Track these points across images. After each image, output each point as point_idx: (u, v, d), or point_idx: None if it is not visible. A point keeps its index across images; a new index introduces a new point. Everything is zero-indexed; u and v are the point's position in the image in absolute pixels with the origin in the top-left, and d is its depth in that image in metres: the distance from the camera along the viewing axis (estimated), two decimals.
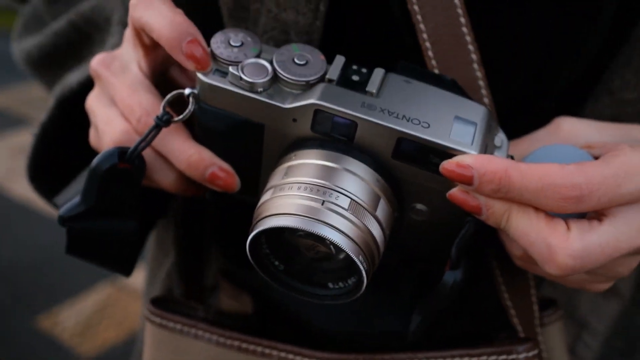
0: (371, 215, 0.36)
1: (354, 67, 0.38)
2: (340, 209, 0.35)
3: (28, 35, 0.59)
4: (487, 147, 0.36)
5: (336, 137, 0.37)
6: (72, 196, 0.44)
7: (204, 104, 0.39)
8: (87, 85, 0.48)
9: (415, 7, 0.39)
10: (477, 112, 0.37)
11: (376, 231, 0.36)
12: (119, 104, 0.42)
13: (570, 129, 0.40)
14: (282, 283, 0.39)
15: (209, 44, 0.39)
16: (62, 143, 0.53)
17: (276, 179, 0.38)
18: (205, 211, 0.53)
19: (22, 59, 0.59)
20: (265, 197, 0.37)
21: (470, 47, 0.39)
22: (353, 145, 0.37)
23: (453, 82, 0.39)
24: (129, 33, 0.43)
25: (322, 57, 0.38)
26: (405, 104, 0.36)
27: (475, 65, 0.39)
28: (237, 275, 0.53)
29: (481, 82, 0.40)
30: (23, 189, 2.69)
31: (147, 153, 0.41)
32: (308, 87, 0.37)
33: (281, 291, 0.39)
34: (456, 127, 0.36)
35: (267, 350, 0.45)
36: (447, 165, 0.34)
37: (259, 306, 0.52)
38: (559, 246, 0.33)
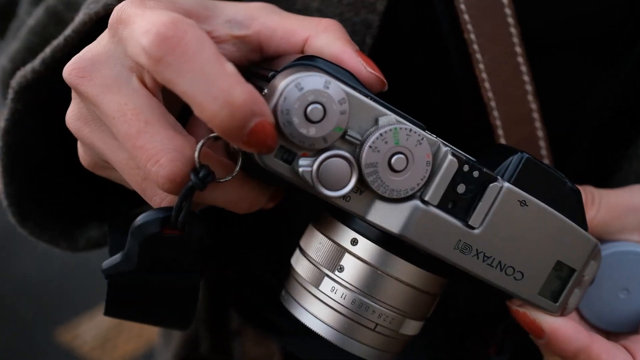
0: None
1: (465, 167, 0.29)
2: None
3: (2, 49, 0.47)
4: (570, 296, 0.33)
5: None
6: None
7: (262, 162, 0.29)
8: (53, 65, 0.36)
9: (472, 36, 0.38)
10: (582, 251, 0.32)
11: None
12: (124, 143, 0.29)
13: None
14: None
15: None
16: (39, 156, 0.40)
17: (328, 262, 0.33)
18: (229, 251, 0.52)
19: None
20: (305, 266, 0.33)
21: (526, 77, 0.38)
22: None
23: (575, 192, 0.32)
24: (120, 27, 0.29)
25: (429, 155, 0.29)
26: (506, 243, 0.30)
27: (530, 97, 0.38)
28: (261, 318, 0.52)
29: (535, 115, 0.39)
30: None
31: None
32: (399, 200, 0.29)
33: (315, 337, 0.34)
34: (551, 278, 0.32)
35: None
36: (521, 312, 0.33)
37: (286, 353, 0.50)
38: None
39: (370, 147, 0.28)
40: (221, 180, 0.30)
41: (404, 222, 0.29)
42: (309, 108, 0.27)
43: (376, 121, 0.28)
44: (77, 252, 0.45)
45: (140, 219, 0.32)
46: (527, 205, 0.30)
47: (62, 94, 0.35)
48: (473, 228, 0.29)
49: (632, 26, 0.40)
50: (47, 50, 0.36)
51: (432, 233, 0.29)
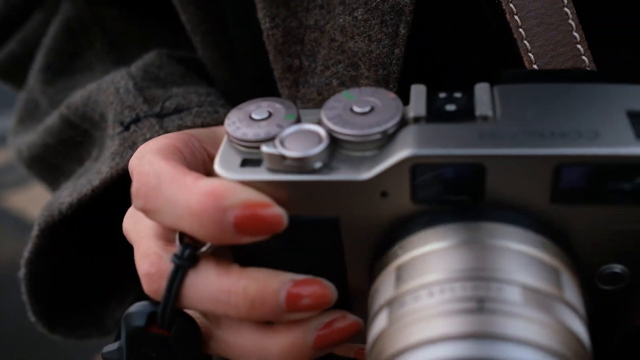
0: (560, 301, 0.23)
1: (442, 94, 0.26)
2: (512, 305, 0.22)
3: (21, 130, 0.52)
4: None
5: (454, 199, 0.25)
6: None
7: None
8: (81, 208, 0.40)
9: (517, 19, 0.31)
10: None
11: (577, 324, 0.23)
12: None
13: None
14: None
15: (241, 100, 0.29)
16: (63, 275, 0.44)
17: (386, 290, 0.25)
18: None
19: (18, 157, 0.51)
20: (378, 324, 0.25)
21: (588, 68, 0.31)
22: (485, 203, 0.25)
23: (591, 72, 0.28)
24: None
25: (392, 94, 0.27)
26: (544, 116, 0.24)
27: (585, 58, 0.31)
28: None
29: None
30: None
31: (196, 314, 0.30)
32: (387, 139, 0.25)
33: None
34: (638, 125, 0.23)
35: None
36: None
37: None
38: None
39: (325, 108, 0.27)
40: (204, 249, 0.28)
41: (410, 143, 0.24)
42: (252, 114, 0.27)
43: None
44: (108, 335, 0.46)
45: (132, 308, 0.30)
46: (536, 88, 0.26)
47: (82, 230, 0.43)
48: (489, 119, 0.25)
49: None
50: (75, 197, 0.40)
51: (445, 139, 0.24)
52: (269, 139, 0.26)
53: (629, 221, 0.24)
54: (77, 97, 0.44)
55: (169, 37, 0.52)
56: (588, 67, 0.31)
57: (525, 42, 0.31)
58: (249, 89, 0.44)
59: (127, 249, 0.43)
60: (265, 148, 0.26)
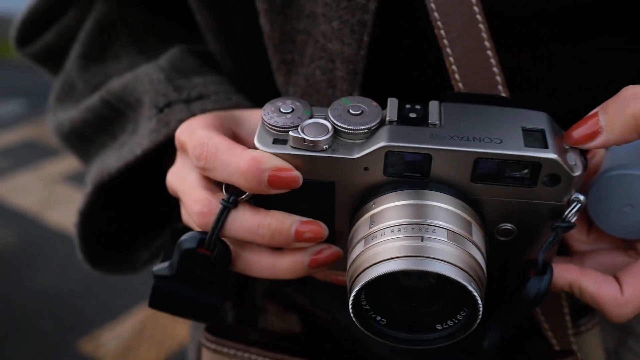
0: (469, 241, 0.36)
1: (408, 105, 0.39)
2: (441, 241, 0.35)
3: (60, 107, 0.62)
4: (561, 149, 0.37)
5: (410, 175, 0.38)
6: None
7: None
8: (126, 172, 0.51)
9: (442, 32, 0.41)
10: (539, 119, 0.38)
11: (478, 256, 0.36)
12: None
13: None
14: (388, 337, 0.38)
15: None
16: (106, 225, 0.55)
17: (363, 230, 0.38)
18: None
19: (54, 131, 0.62)
20: (356, 251, 0.37)
21: (495, 69, 0.41)
22: (430, 179, 0.37)
23: (504, 98, 0.40)
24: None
25: (375, 103, 0.39)
26: (470, 127, 0.37)
27: (501, 87, 0.41)
28: (282, 294, 0.56)
29: None
30: (58, 217, 2.76)
31: (231, 242, 0.42)
32: (371, 133, 0.38)
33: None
34: (527, 137, 0.36)
35: None
36: (576, 132, 0.37)
37: (307, 325, 0.54)
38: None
39: (331, 109, 0.39)
40: (244, 197, 0.40)
41: (384, 138, 0.37)
42: (281, 108, 0.39)
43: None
44: (136, 272, 0.60)
45: (184, 236, 0.41)
46: (467, 107, 0.38)
47: (125, 189, 0.53)
48: (437, 126, 0.37)
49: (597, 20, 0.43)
50: (122, 162, 0.50)
51: (408, 137, 0.37)
52: (294, 127, 0.38)
53: (517, 196, 0.38)
54: (115, 83, 0.54)
55: (182, 32, 0.62)
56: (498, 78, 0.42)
57: (448, 49, 0.41)
58: (249, 76, 0.54)
59: (155, 207, 0.55)
60: (292, 133, 0.38)
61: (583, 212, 0.42)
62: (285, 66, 0.47)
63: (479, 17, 0.40)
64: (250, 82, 0.54)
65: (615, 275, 0.39)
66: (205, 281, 0.42)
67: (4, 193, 2.97)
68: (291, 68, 0.47)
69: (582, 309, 0.49)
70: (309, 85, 0.46)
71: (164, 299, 0.43)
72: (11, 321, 2.32)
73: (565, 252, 0.44)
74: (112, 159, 0.52)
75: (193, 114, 0.48)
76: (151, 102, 0.51)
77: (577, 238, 0.43)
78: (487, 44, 0.41)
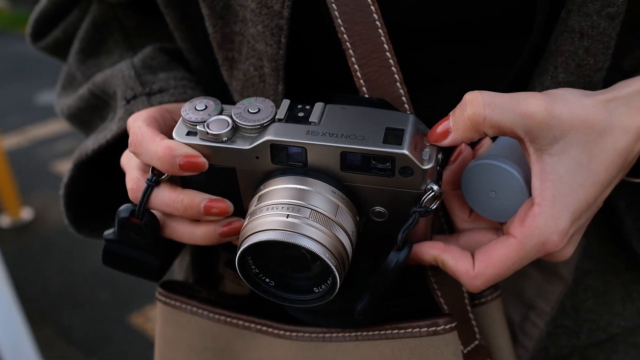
0: (333, 221, 0.42)
1: (299, 106, 0.45)
2: (302, 218, 0.42)
3: (64, 94, 0.71)
4: (417, 145, 0.42)
5: (293, 164, 0.44)
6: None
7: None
8: (101, 152, 0.59)
9: (345, 36, 0.46)
10: (404, 119, 0.43)
11: (341, 234, 0.43)
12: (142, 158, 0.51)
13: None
14: (276, 297, 0.45)
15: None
16: (87, 195, 0.64)
17: (251, 207, 0.45)
18: None
19: (60, 113, 0.71)
20: (245, 222, 0.44)
21: (394, 68, 0.46)
22: (308, 167, 0.44)
23: (382, 101, 0.46)
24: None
25: (272, 104, 0.46)
26: (342, 126, 0.43)
27: (399, 84, 0.46)
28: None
29: (404, 99, 0.46)
30: None
31: (158, 213, 0.50)
32: (262, 129, 0.44)
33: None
34: (387, 135, 0.42)
35: (246, 324, 0.54)
36: (432, 132, 0.43)
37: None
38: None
39: (234, 108, 0.46)
40: (164, 177, 0.48)
41: (270, 133, 0.44)
42: (196, 106, 0.46)
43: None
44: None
45: (121, 207, 0.50)
46: (346, 108, 0.45)
47: (102, 166, 0.62)
48: (315, 124, 0.44)
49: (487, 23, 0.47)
50: (96, 145, 0.59)
51: (289, 132, 0.43)
52: (202, 122, 0.46)
53: (383, 184, 0.44)
54: (99, 77, 0.63)
55: (167, 31, 0.70)
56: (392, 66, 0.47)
57: (350, 51, 0.46)
58: (211, 71, 0.62)
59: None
60: (199, 127, 0.45)
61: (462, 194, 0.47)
62: (227, 62, 0.55)
63: (378, 23, 0.45)
64: (212, 76, 0.62)
65: (472, 252, 0.45)
66: (140, 244, 0.51)
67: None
68: (232, 64, 0.54)
69: None
70: (246, 80, 0.53)
71: (113, 258, 0.52)
72: (71, 291, 2.52)
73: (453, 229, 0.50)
74: (90, 141, 0.61)
75: (152, 105, 0.56)
76: (121, 95, 0.59)
77: (461, 217, 0.48)
78: (386, 46, 0.45)
